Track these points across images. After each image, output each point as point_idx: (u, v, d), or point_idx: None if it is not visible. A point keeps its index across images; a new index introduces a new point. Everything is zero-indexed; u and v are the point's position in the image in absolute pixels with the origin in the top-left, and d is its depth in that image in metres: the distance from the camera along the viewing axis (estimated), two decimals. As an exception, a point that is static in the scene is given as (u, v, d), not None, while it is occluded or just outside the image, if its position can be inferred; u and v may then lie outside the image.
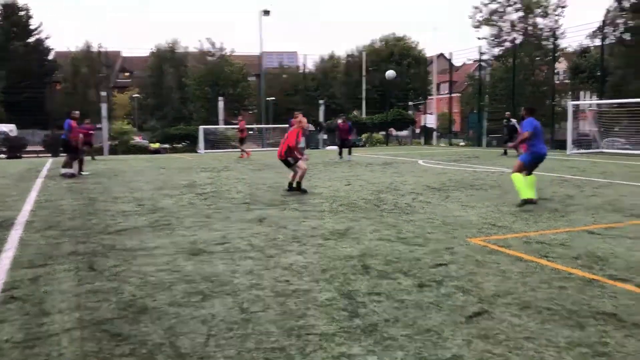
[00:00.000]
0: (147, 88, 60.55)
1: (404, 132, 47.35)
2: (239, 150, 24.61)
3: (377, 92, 48.86)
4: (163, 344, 3.62)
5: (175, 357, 3.43)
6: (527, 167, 9.08)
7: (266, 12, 36.23)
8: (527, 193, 8.88)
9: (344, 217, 8.18)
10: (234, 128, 24.09)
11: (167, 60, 59.42)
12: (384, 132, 41.51)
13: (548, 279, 4.97)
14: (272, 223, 7.68)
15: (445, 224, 7.55)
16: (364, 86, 46.23)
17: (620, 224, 7.44)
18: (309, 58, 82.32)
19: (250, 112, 57.72)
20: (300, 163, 10.68)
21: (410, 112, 46.00)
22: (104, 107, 32.27)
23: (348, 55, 57.03)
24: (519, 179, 9.00)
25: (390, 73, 8.59)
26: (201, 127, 31.60)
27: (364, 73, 47.19)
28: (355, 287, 4.75)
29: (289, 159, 10.71)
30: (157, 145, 38.29)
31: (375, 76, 48.85)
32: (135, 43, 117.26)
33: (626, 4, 30.12)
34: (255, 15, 77.46)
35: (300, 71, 51.17)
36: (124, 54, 74.20)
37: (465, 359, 3.35)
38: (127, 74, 72.69)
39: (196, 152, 31.03)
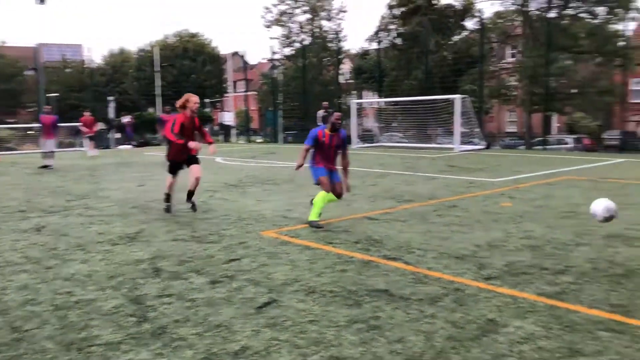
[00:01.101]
0: None
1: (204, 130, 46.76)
2: (12, 153, 21.79)
3: (172, 88, 47.55)
4: None
5: None
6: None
7: (41, 0, 32.81)
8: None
9: (135, 219, 7.83)
10: (6, 127, 21.06)
11: None
12: (181, 130, 40.45)
13: (332, 263, 5.35)
14: (52, 231, 7.02)
15: (241, 220, 7.67)
16: (157, 82, 44.62)
17: (393, 209, 8.30)
18: (96, 52, 76.96)
19: (30, 109, 51.96)
20: (195, 168, 8.02)
21: (207, 109, 45.61)
22: None
23: (140, 50, 54.52)
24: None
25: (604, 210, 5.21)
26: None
27: (157, 68, 45.52)
28: (144, 292, 4.59)
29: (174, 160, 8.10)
30: None
31: (170, 72, 47.52)
32: None
33: (397, 12, 33.63)
34: (29, 2, 69.98)
35: (86, 65, 47.47)
36: None
37: (254, 349, 3.46)
38: None
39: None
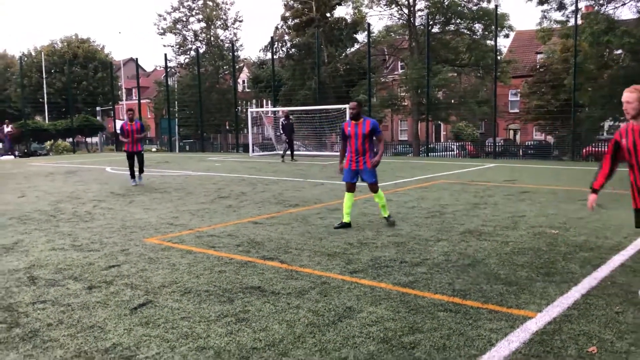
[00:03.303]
0: None
1: (95, 139, 45.03)
2: None
3: (60, 96, 45.31)
4: None
5: None
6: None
7: None
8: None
9: (13, 230, 7.62)
10: None
11: None
12: (71, 139, 38.80)
13: (211, 265, 5.60)
14: None
15: (125, 228, 7.70)
16: (45, 89, 42.43)
17: (279, 214, 8.68)
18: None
19: None
20: None
21: (98, 117, 43.90)
22: None
23: (24, 55, 51.48)
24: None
25: None
26: None
27: (44, 75, 43.29)
28: (18, 299, 4.60)
29: None
30: None
31: (59, 79, 45.28)
32: None
33: (291, 24, 34.42)
34: None
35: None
36: None
37: (124, 345, 3.65)
38: None
39: None
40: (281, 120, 20.92)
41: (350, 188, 7.55)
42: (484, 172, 15.34)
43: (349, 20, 33.33)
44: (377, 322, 4.00)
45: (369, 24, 25.57)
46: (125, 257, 6.01)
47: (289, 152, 20.85)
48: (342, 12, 48.27)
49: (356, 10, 32.42)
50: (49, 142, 36.61)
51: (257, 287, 4.87)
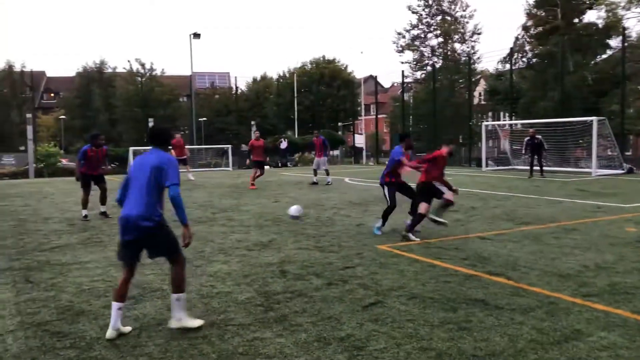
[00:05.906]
0: (73, 109, 58.96)
1: (335, 152, 48.74)
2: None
3: (308, 113, 50.13)
4: (100, 337, 4.17)
5: (111, 347, 4.00)
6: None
7: (196, 35, 36.53)
8: None
9: (268, 230, 8.86)
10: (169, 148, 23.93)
11: (95, 80, 58.25)
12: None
13: (437, 275, 5.84)
14: (199, 238, 8.18)
15: (360, 234, 8.38)
16: (295, 107, 47.36)
17: (509, 230, 8.51)
18: (241, 79, 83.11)
19: (182, 132, 57.43)
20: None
21: (339, 132, 47.37)
22: (29, 130, 31.42)
23: (280, 77, 58.20)
24: None
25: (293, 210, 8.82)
26: (131, 149, 31.37)
27: (295, 94, 48.35)
28: (272, 288, 5.44)
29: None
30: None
31: (307, 97, 50.15)
32: (61, 63, 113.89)
33: (533, 32, 32.79)
34: (185, 36, 77.80)
35: (233, 92, 51.78)
36: (49, 74, 72.12)
37: (356, 337, 4.11)
38: (52, 94, 70.48)
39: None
40: (526, 139, 19.98)
41: None
42: None
43: (600, 25, 30.52)
44: (608, 347, 3.81)
45: (624, 28, 23.12)
46: (359, 260, 6.59)
47: (537, 168, 19.72)
48: (593, 16, 44.51)
49: (610, 14, 29.52)
50: (297, 155, 40.70)
51: (481, 299, 4.96)
